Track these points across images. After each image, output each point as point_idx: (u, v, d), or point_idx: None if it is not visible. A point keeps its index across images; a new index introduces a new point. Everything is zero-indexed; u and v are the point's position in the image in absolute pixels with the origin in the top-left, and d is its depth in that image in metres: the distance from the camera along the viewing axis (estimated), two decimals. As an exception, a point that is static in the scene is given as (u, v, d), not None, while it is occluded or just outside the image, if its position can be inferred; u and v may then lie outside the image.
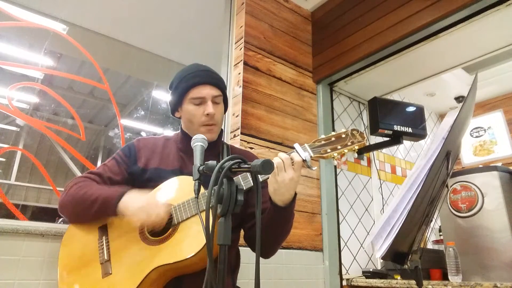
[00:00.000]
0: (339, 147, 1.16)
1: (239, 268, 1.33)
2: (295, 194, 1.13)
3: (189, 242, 1.07)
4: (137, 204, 1.09)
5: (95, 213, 1.16)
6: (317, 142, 1.17)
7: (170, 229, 1.13)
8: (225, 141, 2.10)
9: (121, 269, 1.10)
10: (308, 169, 1.15)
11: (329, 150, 1.15)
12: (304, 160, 1.11)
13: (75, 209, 1.19)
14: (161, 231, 1.14)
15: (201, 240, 1.06)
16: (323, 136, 1.18)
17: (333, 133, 1.19)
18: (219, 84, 1.33)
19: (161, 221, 1.09)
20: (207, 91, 1.27)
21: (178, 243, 1.09)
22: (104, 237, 1.17)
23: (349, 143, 1.16)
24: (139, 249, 1.12)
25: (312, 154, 1.14)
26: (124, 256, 1.12)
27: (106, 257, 1.13)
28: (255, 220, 1.19)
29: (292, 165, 1.07)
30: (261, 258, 1.25)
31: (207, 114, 1.25)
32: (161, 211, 1.09)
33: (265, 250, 1.21)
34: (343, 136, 1.17)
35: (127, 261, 1.11)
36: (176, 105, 1.33)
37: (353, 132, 1.18)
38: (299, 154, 1.12)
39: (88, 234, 1.20)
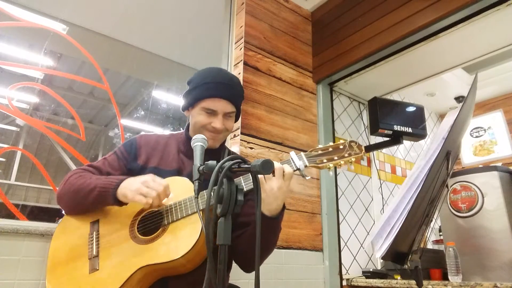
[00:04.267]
0: (335, 158, 1.15)
1: (231, 267, 1.32)
2: (284, 207, 1.11)
3: (177, 244, 1.07)
4: (134, 186, 1.08)
5: (92, 202, 1.15)
6: (314, 152, 1.16)
7: (160, 229, 1.13)
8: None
9: (108, 266, 1.09)
10: (302, 177, 1.14)
11: (325, 161, 1.14)
12: (298, 169, 1.10)
13: (72, 198, 1.19)
14: (151, 230, 1.14)
15: (190, 242, 1.05)
16: (320, 146, 1.18)
17: (331, 143, 1.18)
18: (235, 101, 1.29)
19: (165, 192, 1.08)
20: (221, 106, 1.24)
21: (166, 243, 1.09)
22: (94, 232, 1.17)
23: (346, 155, 1.15)
24: (128, 247, 1.12)
25: (307, 164, 1.13)
26: (113, 253, 1.12)
27: (94, 253, 1.13)
28: (242, 231, 1.17)
29: (283, 175, 1.05)
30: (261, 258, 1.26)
31: (213, 127, 1.24)
32: (160, 182, 1.09)
33: (248, 263, 1.19)
34: (341, 147, 1.17)
35: (115, 258, 1.11)
36: (187, 105, 1.30)
37: (351, 143, 1.17)
38: (294, 163, 1.12)
39: (80, 228, 1.19)
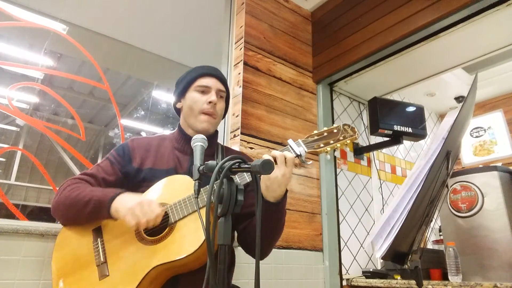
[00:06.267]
0: (331, 141, 1.18)
1: (234, 266, 1.33)
2: (286, 190, 1.14)
3: (187, 240, 1.07)
4: (129, 204, 1.07)
5: (88, 215, 1.15)
6: (310, 138, 1.19)
7: (167, 228, 1.13)
8: (225, 141, 2.10)
9: (118, 271, 1.09)
10: (304, 166, 1.17)
11: (322, 145, 1.18)
12: (299, 155, 1.13)
13: (68, 211, 1.18)
14: (158, 230, 1.14)
15: (199, 238, 1.06)
16: (315, 132, 1.20)
17: (325, 128, 1.21)
18: (225, 82, 1.38)
19: (155, 219, 1.07)
20: (214, 82, 1.33)
21: (176, 241, 1.09)
22: (99, 239, 1.17)
23: (341, 138, 1.18)
24: (136, 250, 1.11)
25: (306, 149, 1.16)
26: (121, 257, 1.12)
27: (102, 259, 1.12)
28: (248, 222, 1.20)
29: (285, 161, 1.08)
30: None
31: (210, 102, 1.29)
32: (155, 209, 1.08)
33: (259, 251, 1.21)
34: (335, 131, 1.20)
35: (124, 262, 1.10)
36: (180, 95, 1.37)
37: (345, 127, 1.20)
38: (293, 149, 1.14)
39: (82, 236, 1.18)
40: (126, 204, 1.08)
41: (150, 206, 1.07)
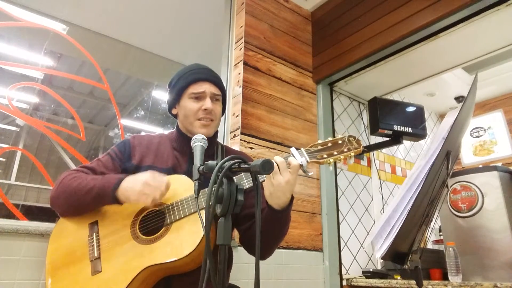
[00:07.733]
0: (335, 153, 1.15)
1: (231, 267, 1.32)
2: (292, 197, 1.12)
3: (182, 242, 1.07)
4: (137, 187, 1.09)
5: (91, 202, 1.14)
6: (313, 147, 1.16)
7: (163, 229, 1.12)
8: (225, 141, 2.10)
9: (111, 267, 1.09)
10: (306, 175, 1.14)
11: (325, 156, 1.15)
12: (300, 165, 1.10)
13: (69, 199, 1.17)
14: (153, 230, 1.14)
15: (194, 241, 1.05)
16: (319, 141, 1.17)
17: (329, 138, 1.18)
18: (219, 84, 1.34)
19: (166, 189, 1.11)
20: (207, 87, 1.29)
21: (171, 242, 1.09)
22: (94, 234, 1.16)
23: (345, 150, 1.15)
24: (131, 248, 1.11)
25: (308, 159, 1.13)
26: (115, 254, 1.11)
27: (96, 255, 1.12)
28: (251, 222, 1.19)
29: (289, 168, 1.06)
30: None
31: (205, 109, 1.26)
32: (161, 180, 1.10)
33: (261, 252, 1.19)
34: (340, 142, 1.17)
35: (118, 259, 1.10)
36: (174, 101, 1.35)
37: (350, 138, 1.17)
38: (295, 158, 1.11)
39: (78, 230, 1.18)
40: (134, 188, 1.09)
41: (155, 180, 1.10)
